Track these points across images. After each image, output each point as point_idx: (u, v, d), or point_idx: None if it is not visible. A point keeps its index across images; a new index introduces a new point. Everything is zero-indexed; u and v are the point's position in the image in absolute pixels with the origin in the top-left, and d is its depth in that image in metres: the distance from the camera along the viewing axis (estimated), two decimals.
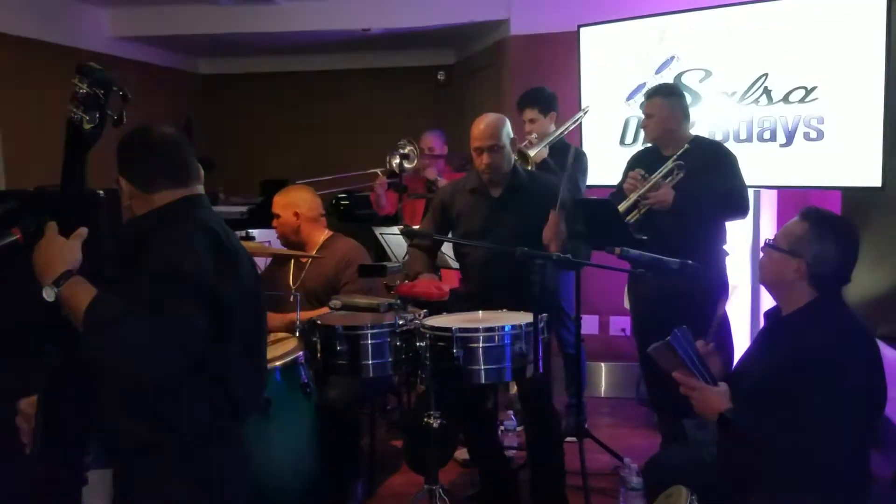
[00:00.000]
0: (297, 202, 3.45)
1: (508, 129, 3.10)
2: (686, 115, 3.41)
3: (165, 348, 1.61)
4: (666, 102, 3.35)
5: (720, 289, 3.35)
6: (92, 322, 1.60)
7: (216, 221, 1.84)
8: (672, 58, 4.03)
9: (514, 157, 3.12)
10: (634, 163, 3.52)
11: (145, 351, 1.60)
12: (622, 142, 4.24)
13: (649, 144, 3.49)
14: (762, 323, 2.38)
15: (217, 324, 1.71)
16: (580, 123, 4.22)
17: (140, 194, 1.82)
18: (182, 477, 1.78)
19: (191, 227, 1.76)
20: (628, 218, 3.29)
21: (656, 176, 3.30)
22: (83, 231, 1.67)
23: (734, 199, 3.28)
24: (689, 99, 3.52)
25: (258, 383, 1.97)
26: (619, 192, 3.47)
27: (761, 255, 2.24)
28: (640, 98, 3.76)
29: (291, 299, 3.27)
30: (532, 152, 3.68)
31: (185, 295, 1.65)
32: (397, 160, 4.51)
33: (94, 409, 1.76)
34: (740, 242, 3.83)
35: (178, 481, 1.77)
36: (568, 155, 3.82)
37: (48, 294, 1.62)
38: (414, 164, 4.49)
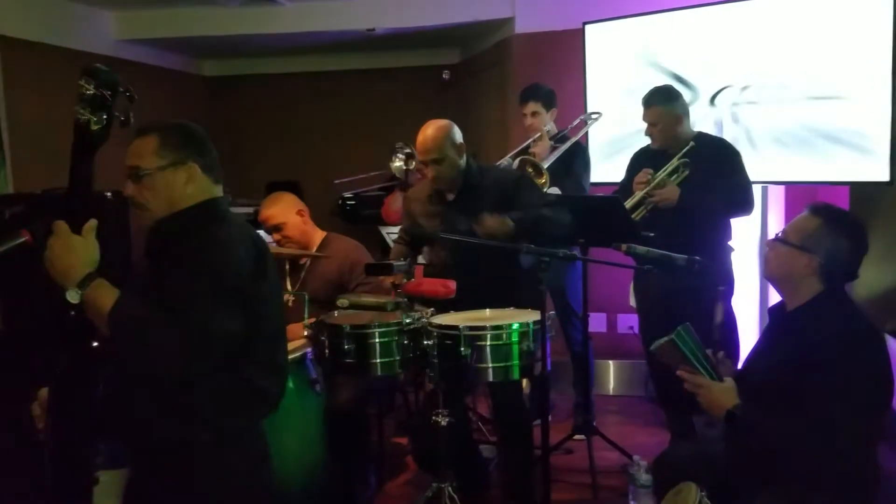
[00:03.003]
0: (293, 203, 3.39)
1: (453, 136, 3.05)
2: (686, 114, 3.40)
3: (191, 346, 1.63)
4: (667, 108, 3.34)
5: (725, 285, 3.34)
6: (117, 324, 1.61)
7: (244, 223, 1.92)
8: (678, 54, 4.02)
9: (462, 160, 3.07)
10: (637, 160, 3.52)
11: (171, 349, 1.62)
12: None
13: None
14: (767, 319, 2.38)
15: (249, 322, 1.75)
16: (580, 122, 4.20)
17: (207, 179, 1.87)
18: (213, 473, 1.80)
19: (230, 227, 1.83)
20: (634, 216, 3.29)
21: (661, 174, 3.29)
22: (93, 223, 1.68)
23: (739, 196, 3.27)
24: (697, 95, 3.51)
25: (282, 379, 2.00)
26: (623, 190, 3.47)
27: (766, 249, 2.23)
28: None
29: (290, 303, 3.25)
30: (545, 164, 3.68)
31: (221, 293, 1.70)
32: (398, 163, 4.55)
33: (123, 409, 1.77)
34: (748, 238, 3.82)
35: (209, 477, 1.80)
36: (572, 154, 3.82)
37: (73, 296, 1.62)
38: (412, 165, 4.52)
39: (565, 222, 3.04)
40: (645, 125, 3.41)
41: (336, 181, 4.87)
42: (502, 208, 2.99)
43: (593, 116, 4.18)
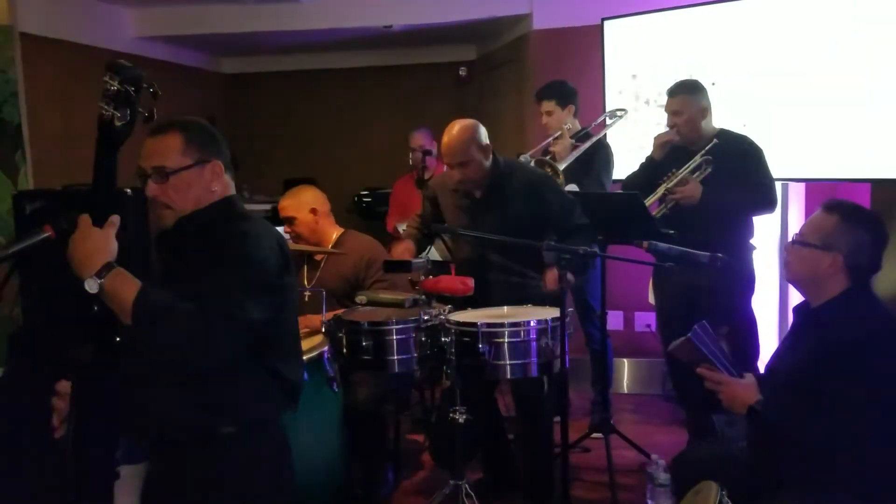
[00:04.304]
0: (310, 200, 3.40)
1: (478, 137, 3.00)
2: (710, 109, 3.38)
3: (217, 333, 1.64)
4: (693, 98, 3.32)
5: (747, 283, 3.32)
6: (141, 313, 1.62)
7: (264, 220, 1.92)
8: (697, 51, 3.99)
9: (488, 161, 3.03)
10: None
11: (197, 336, 1.63)
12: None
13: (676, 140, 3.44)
14: (791, 318, 2.35)
15: (274, 312, 1.78)
16: (604, 119, 4.18)
17: (227, 176, 1.89)
18: (238, 464, 1.82)
19: (254, 223, 1.84)
20: (655, 213, 3.27)
21: (684, 171, 3.27)
22: (116, 219, 1.68)
23: (762, 194, 3.24)
24: (716, 92, 3.48)
25: (302, 370, 2.02)
26: (634, 179, 3.44)
27: (785, 254, 2.22)
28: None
29: (307, 299, 3.27)
30: (561, 166, 3.66)
31: (248, 282, 1.71)
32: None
33: (148, 402, 1.79)
34: (768, 236, 3.79)
35: (234, 468, 1.81)
36: (594, 151, 3.80)
37: (91, 286, 1.61)
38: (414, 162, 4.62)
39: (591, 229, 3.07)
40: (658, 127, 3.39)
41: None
42: (530, 207, 2.98)
43: (618, 113, 4.13)
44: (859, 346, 1.96)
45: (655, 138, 3.45)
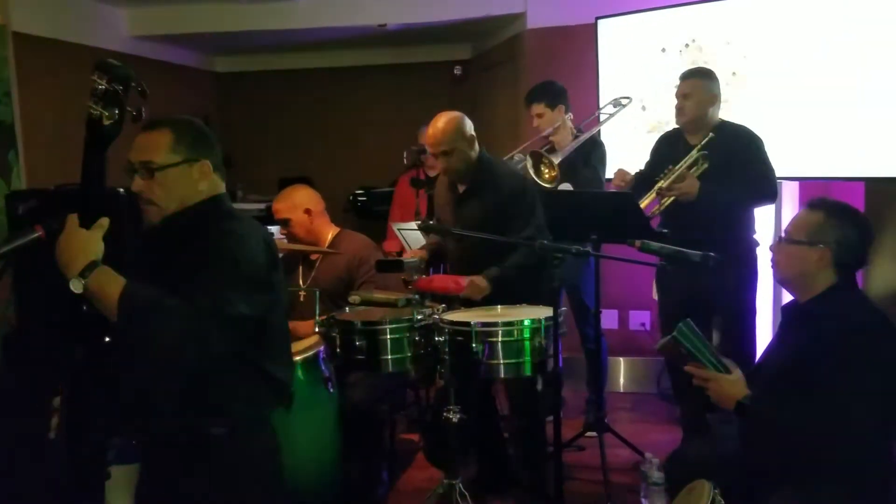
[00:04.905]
0: (304, 200, 3.39)
1: (463, 128, 3.06)
2: (719, 100, 3.37)
3: (205, 329, 1.64)
4: (704, 84, 3.32)
5: (750, 279, 3.31)
6: (127, 311, 1.61)
7: (252, 219, 1.93)
8: (690, 49, 3.99)
9: (473, 152, 3.08)
10: (660, 146, 3.49)
11: (184, 333, 1.62)
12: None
13: (677, 126, 3.44)
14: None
15: (263, 310, 1.78)
16: (598, 115, 4.17)
17: (215, 176, 1.88)
18: (229, 464, 1.82)
19: (242, 222, 1.85)
20: (654, 210, 3.26)
21: (681, 166, 3.26)
22: (105, 221, 1.68)
23: (762, 185, 3.23)
24: None
25: (293, 370, 2.02)
26: (643, 178, 3.44)
27: (772, 254, 2.23)
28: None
29: (302, 298, 3.26)
30: (557, 159, 3.66)
31: (237, 279, 1.71)
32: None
33: (139, 403, 1.78)
34: (762, 235, 3.79)
35: (225, 468, 1.82)
36: (590, 146, 3.79)
37: (75, 286, 1.61)
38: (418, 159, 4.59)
39: (530, 264, 3.00)
40: (658, 122, 3.39)
41: None
42: (497, 214, 3.00)
43: (623, 101, 4.08)
44: (847, 340, 1.98)
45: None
